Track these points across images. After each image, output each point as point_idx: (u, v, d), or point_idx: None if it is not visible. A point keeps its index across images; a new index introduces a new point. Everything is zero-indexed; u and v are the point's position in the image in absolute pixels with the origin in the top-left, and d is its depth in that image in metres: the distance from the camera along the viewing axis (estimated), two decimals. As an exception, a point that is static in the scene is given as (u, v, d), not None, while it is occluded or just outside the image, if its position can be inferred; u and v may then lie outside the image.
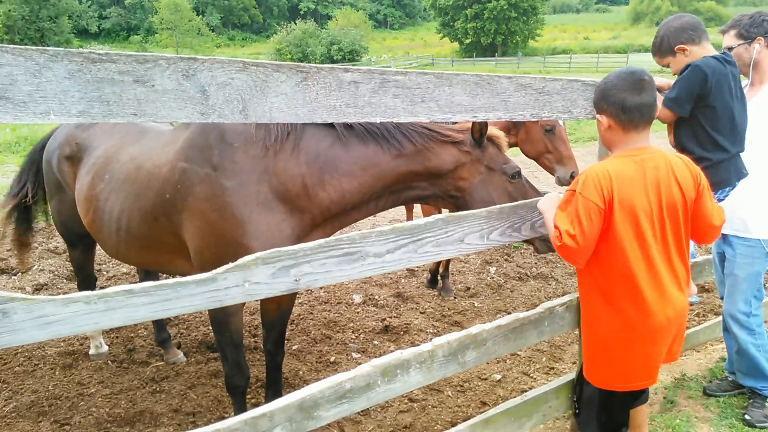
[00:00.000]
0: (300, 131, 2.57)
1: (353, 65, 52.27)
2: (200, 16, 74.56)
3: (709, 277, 3.71)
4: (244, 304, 2.94)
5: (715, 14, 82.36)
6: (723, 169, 2.65)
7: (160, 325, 4.05)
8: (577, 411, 2.65)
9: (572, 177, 4.37)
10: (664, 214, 2.13)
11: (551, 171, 4.50)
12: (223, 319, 2.76)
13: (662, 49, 2.66)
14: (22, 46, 1.33)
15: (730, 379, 3.48)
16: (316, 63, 56.22)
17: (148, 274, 4.24)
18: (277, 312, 3.15)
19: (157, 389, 3.68)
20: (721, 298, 3.37)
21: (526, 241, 2.70)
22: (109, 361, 4.06)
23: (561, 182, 4.43)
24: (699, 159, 2.46)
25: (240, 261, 1.74)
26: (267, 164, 2.53)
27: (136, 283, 4.98)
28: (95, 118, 1.43)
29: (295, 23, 64.62)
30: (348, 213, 2.68)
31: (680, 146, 2.66)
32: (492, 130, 2.75)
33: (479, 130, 2.63)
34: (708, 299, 4.95)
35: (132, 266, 5.74)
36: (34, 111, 1.34)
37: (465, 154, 2.65)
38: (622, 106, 2.11)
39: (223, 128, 2.58)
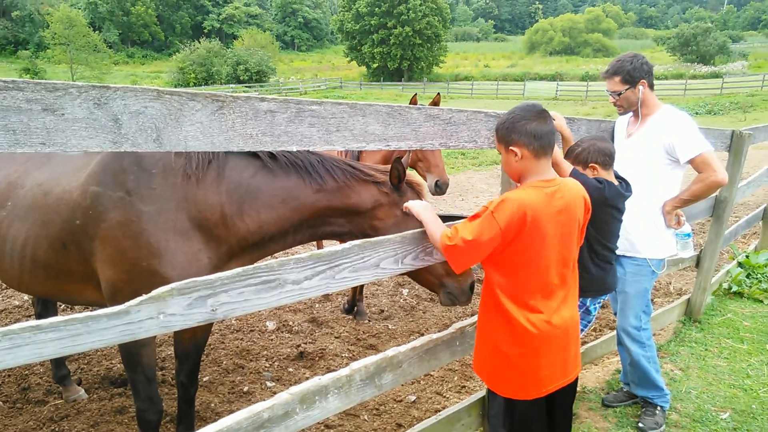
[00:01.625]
0: (223, 160, 2.55)
1: (261, 86, 51.63)
2: (97, 32, 70.81)
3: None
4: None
5: (603, 46, 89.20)
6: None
7: (58, 361, 3.80)
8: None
9: (437, 185, 4.56)
10: (561, 239, 2.29)
11: (425, 178, 4.69)
12: (135, 351, 2.65)
13: (579, 159, 2.89)
14: None
15: (625, 389, 3.75)
16: (221, 83, 55.35)
17: (45, 306, 3.98)
18: (191, 341, 3.06)
19: (57, 429, 3.45)
20: (615, 314, 3.62)
21: (431, 290, 2.83)
22: (0, 402, 3.75)
23: (429, 189, 4.60)
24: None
25: (154, 292, 1.70)
26: (186, 192, 2.48)
27: (29, 316, 4.65)
28: (0, 147, 1.36)
29: (199, 42, 63.12)
30: (266, 244, 2.67)
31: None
32: (415, 178, 2.82)
33: (397, 175, 2.68)
34: (603, 315, 5.30)
35: (26, 298, 5.37)
36: (-69, 140, 1.27)
37: (384, 195, 2.71)
38: (534, 134, 2.23)
39: (139, 153, 2.51)
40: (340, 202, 2.66)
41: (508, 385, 2.40)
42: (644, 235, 3.35)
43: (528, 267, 2.25)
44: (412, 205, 2.53)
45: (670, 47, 68.20)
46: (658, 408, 3.51)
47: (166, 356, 4.41)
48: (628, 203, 3.33)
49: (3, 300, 5.53)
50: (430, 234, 2.36)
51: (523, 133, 2.24)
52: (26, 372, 4.14)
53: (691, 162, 3.18)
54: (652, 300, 5.54)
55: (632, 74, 3.23)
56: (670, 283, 6.26)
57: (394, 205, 2.71)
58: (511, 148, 2.28)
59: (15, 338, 1.43)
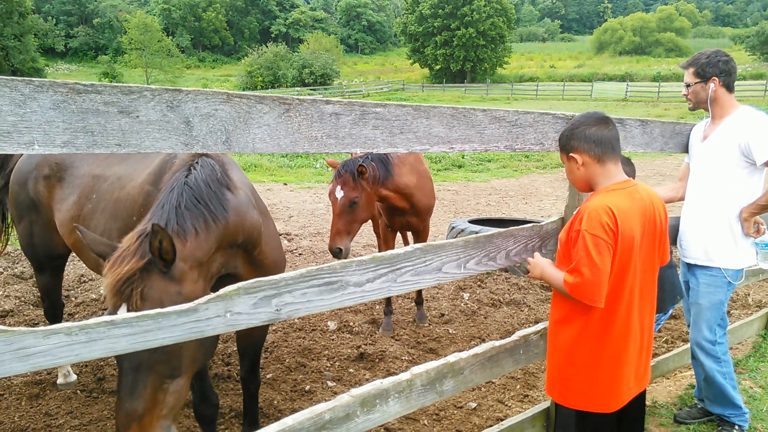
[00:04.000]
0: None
1: (325, 89, 52.50)
2: (170, 37, 73.97)
3: (677, 304, 3.80)
4: None
5: (675, 45, 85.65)
6: None
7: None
8: None
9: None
10: (644, 242, 2.23)
11: None
12: None
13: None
14: (7, 77, 1.32)
15: (699, 406, 3.54)
16: (287, 86, 56.59)
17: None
18: (248, 338, 3.11)
19: (127, 419, 3.59)
20: (689, 326, 3.45)
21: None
22: (78, 391, 3.93)
23: None
24: None
25: (222, 291, 1.74)
26: None
27: (104, 309, 4.88)
28: (79, 148, 1.42)
29: (267, 46, 64.77)
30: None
31: None
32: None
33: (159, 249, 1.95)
34: (676, 326, 5.06)
35: (102, 291, 5.63)
36: (18, 141, 1.34)
37: None
38: (594, 140, 2.21)
39: (174, 153, 2.60)
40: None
41: (587, 397, 2.31)
42: (720, 243, 3.17)
43: (621, 274, 2.17)
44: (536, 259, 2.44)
45: (749, 46, 64.84)
46: (736, 427, 3.31)
47: (232, 352, 4.51)
48: (702, 209, 3.18)
49: (81, 293, 5.82)
50: (554, 283, 2.27)
51: (583, 139, 2.22)
52: (102, 363, 4.33)
53: None
54: (728, 312, 5.24)
55: (704, 69, 3.10)
56: (749, 295, 5.92)
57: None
58: (571, 155, 2.27)
59: (91, 332, 1.49)
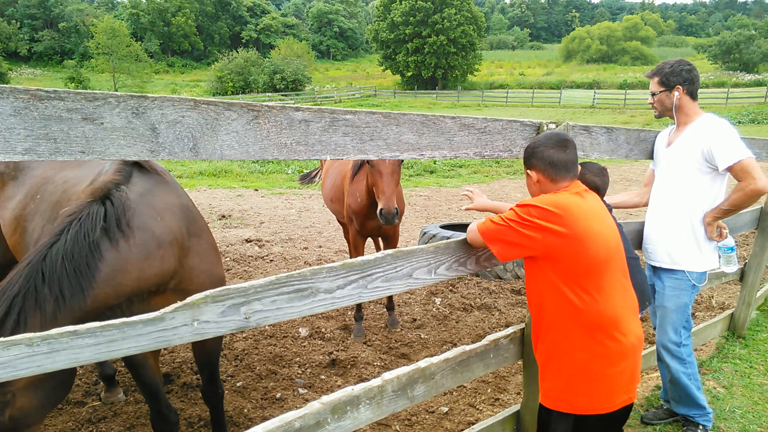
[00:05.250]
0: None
1: (297, 95, 52.14)
2: (138, 42, 72.82)
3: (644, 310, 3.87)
4: (158, 354, 2.94)
5: (641, 54, 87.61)
6: None
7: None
8: None
9: (381, 214, 4.08)
10: (611, 237, 2.27)
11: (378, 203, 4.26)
12: (134, 369, 2.70)
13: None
14: (-34, 83, 1.30)
15: (665, 407, 3.62)
16: (258, 91, 56.20)
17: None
18: (202, 350, 3.04)
19: (94, 431, 3.50)
20: (654, 328, 3.52)
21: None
22: (40, 403, 3.83)
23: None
24: None
25: (189, 299, 1.72)
26: None
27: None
28: (42, 155, 1.40)
29: (237, 51, 64.28)
30: None
31: None
32: None
33: None
34: (643, 329, 5.14)
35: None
36: (-23, 149, 1.31)
37: None
38: (549, 161, 2.30)
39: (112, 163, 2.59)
40: None
41: (586, 399, 2.30)
42: (684, 247, 3.24)
43: (586, 267, 2.19)
44: (472, 190, 2.73)
45: (711, 55, 66.62)
46: (700, 427, 3.39)
47: (200, 361, 4.45)
48: (666, 213, 3.26)
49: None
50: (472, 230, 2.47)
51: (540, 159, 2.34)
52: (66, 374, 4.23)
53: (730, 170, 3.07)
54: (693, 314, 5.37)
55: (668, 77, 3.18)
56: (713, 297, 6.07)
57: None
58: (527, 170, 2.41)
59: (53, 343, 1.46)
